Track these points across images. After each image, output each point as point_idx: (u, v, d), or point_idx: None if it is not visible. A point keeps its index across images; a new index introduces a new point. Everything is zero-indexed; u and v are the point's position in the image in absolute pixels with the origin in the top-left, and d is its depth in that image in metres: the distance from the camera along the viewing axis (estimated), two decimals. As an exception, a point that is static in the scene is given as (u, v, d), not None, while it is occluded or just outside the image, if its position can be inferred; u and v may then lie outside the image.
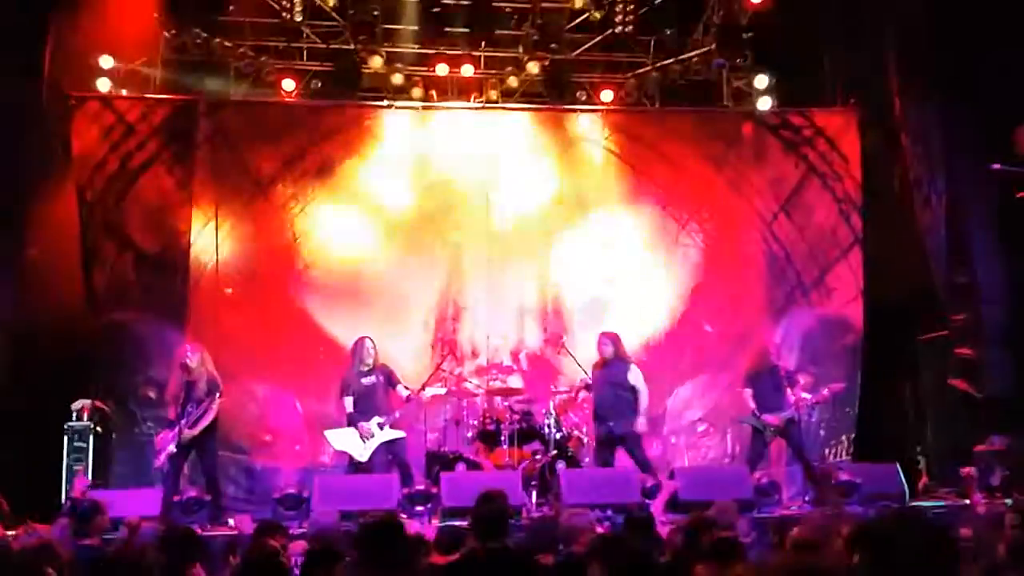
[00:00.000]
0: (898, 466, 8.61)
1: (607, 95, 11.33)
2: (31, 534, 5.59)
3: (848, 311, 10.90)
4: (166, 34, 10.47)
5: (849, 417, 10.50)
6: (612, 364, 9.03)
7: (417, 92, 11.22)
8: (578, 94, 11.47)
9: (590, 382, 9.20)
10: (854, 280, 10.94)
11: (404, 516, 7.45)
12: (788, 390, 9.05)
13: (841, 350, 10.76)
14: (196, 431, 8.30)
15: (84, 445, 8.99)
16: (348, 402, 8.81)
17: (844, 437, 10.53)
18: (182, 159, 10.56)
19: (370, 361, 8.84)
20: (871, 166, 11.12)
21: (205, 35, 10.53)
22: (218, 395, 8.43)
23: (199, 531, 7.58)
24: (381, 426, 8.71)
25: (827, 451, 10.44)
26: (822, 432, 10.53)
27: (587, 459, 9.67)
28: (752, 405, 9.07)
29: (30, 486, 8.39)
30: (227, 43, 10.67)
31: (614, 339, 9.18)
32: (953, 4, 9.57)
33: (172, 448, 8.21)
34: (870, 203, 11.04)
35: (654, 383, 10.69)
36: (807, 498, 8.90)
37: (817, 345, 10.75)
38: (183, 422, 8.26)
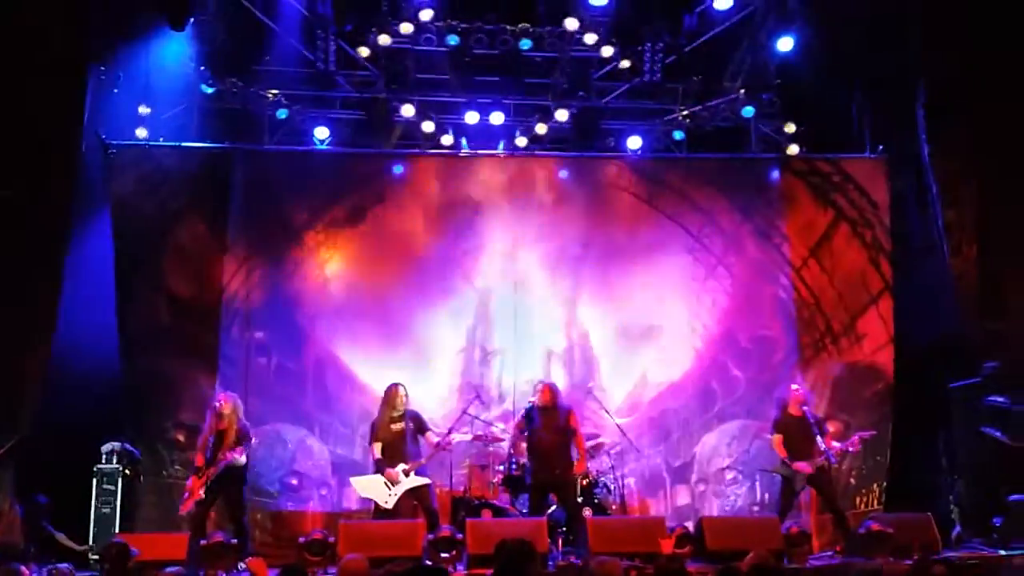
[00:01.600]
0: (931, 516, 8.46)
1: (635, 142, 11.40)
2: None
3: (878, 358, 10.78)
4: (203, 84, 10.71)
5: (880, 465, 10.34)
6: (553, 410, 8.89)
7: (447, 139, 11.38)
8: (606, 141, 11.58)
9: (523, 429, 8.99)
10: (884, 327, 10.84)
11: (429, 563, 7.43)
12: (818, 438, 8.95)
13: (872, 397, 10.64)
14: (220, 470, 8.37)
15: (113, 488, 9.07)
16: (376, 448, 8.81)
17: (875, 486, 10.36)
18: (216, 206, 10.75)
19: (401, 408, 8.86)
20: (901, 212, 11.07)
21: (240, 84, 10.77)
22: (248, 444, 8.48)
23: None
24: (407, 473, 8.70)
25: (858, 500, 10.28)
26: (853, 480, 10.38)
27: (614, 506, 9.60)
28: (782, 453, 8.98)
29: (59, 528, 8.48)
30: (261, 92, 10.90)
31: (553, 387, 9.08)
32: (984, 52, 9.57)
33: (201, 493, 8.27)
34: (900, 249, 10.98)
35: (681, 429, 10.67)
36: (838, 548, 8.74)
37: (847, 392, 10.65)
38: (212, 470, 8.32)
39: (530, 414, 8.90)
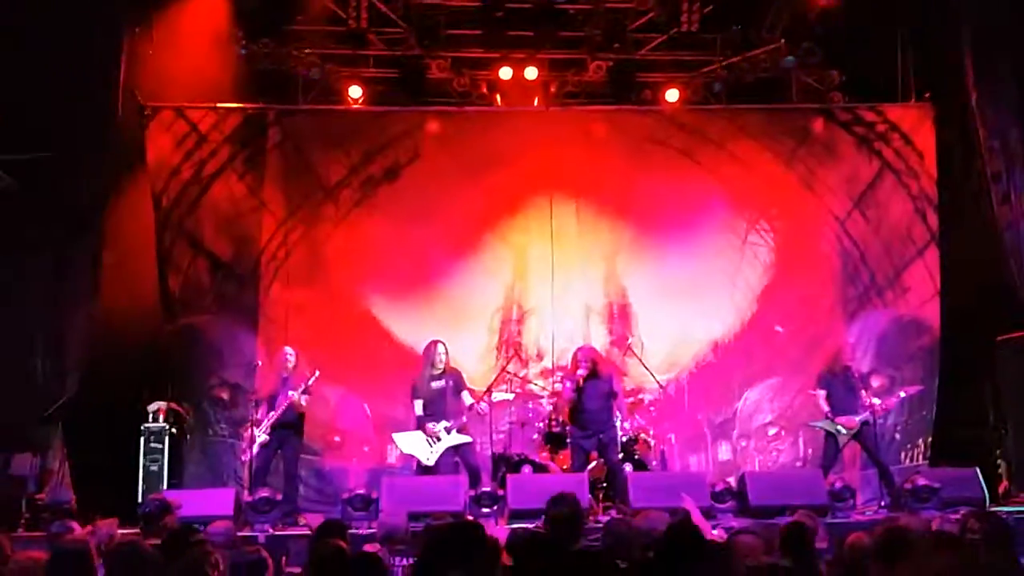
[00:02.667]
0: (977, 470, 8.34)
1: (673, 94, 11.19)
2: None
3: (924, 311, 10.60)
4: (237, 45, 10.67)
5: (926, 420, 10.21)
6: (597, 375, 8.85)
7: (482, 95, 11.25)
8: (644, 94, 11.38)
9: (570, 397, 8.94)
10: (930, 280, 10.63)
11: (470, 517, 7.48)
12: (862, 392, 8.85)
13: (917, 351, 10.48)
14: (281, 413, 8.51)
15: (160, 446, 9.22)
16: (418, 405, 8.86)
17: (920, 441, 10.24)
18: (253, 166, 10.80)
19: (441, 365, 8.88)
20: (947, 162, 10.79)
21: (273, 44, 10.71)
22: (308, 388, 8.63)
23: (271, 531, 7.77)
24: (448, 430, 8.73)
25: (903, 455, 10.17)
26: (897, 436, 10.26)
27: (654, 462, 9.58)
28: (825, 408, 8.89)
29: (107, 486, 8.64)
30: (295, 52, 10.84)
31: (596, 353, 9.07)
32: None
33: (264, 436, 8.41)
34: (946, 200, 10.72)
35: (723, 386, 10.59)
36: (883, 503, 8.67)
37: (892, 347, 10.50)
38: (273, 413, 8.48)
39: (580, 383, 8.82)
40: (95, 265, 9.27)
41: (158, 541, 5.20)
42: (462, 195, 10.91)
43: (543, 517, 5.12)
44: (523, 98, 11.34)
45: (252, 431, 8.60)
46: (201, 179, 10.59)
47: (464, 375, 9.19)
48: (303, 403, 8.65)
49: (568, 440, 9.07)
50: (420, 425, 8.80)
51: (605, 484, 8.80)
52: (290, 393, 8.56)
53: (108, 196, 9.63)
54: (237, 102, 10.86)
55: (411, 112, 11.17)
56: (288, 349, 8.98)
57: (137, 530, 7.20)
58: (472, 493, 8.31)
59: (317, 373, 8.73)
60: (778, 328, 10.68)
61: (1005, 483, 9.17)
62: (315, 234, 10.80)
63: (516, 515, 7.84)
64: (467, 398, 8.92)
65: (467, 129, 11.18)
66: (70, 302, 9.14)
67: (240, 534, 7.06)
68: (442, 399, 8.84)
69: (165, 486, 8.95)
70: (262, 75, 10.95)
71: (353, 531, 6.96)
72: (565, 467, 9.09)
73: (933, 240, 10.71)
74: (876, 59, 11.07)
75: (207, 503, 7.59)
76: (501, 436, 9.76)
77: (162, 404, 9.45)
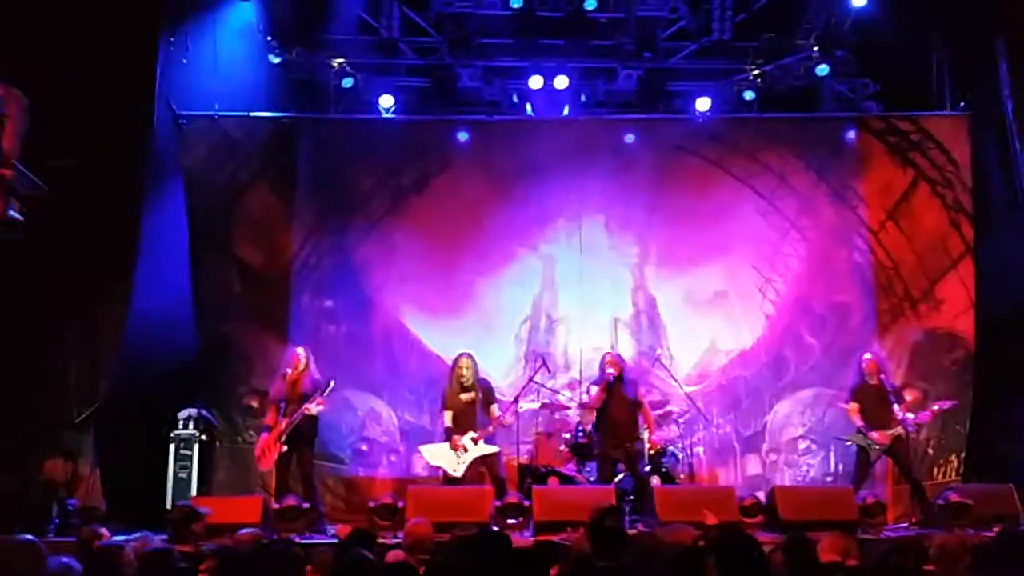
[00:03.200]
0: (1012, 487, 8.18)
1: (704, 103, 11.11)
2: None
3: (958, 324, 10.42)
4: (269, 54, 10.76)
5: (959, 435, 10.03)
6: (622, 381, 8.82)
7: (512, 104, 11.26)
8: (674, 103, 11.32)
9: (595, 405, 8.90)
10: (965, 292, 10.46)
11: (495, 528, 7.46)
12: (895, 406, 8.73)
13: (951, 365, 10.30)
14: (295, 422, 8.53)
15: (189, 453, 9.29)
16: (447, 417, 8.87)
17: (954, 456, 10.06)
18: (285, 176, 10.88)
19: (470, 378, 8.88)
20: (982, 172, 10.62)
21: (306, 53, 10.79)
22: (323, 393, 8.61)
23: (298, 539, 7.79)
24: (475, 441, 8.73)
25: (936, 470, 10.00)
26: (930, 451, 10.09)
27: (682, 475, 9.51)
28: (858, 422, 8.78)
29: (136, 493, 8.72)
30: (326, 61, 10.91)
31: (621, 358, 9.04)
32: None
33: (281, 446, 8.47)
34: (982, 211, 10.55)
35: (753, 399, 10.49)
36: (914, 519, 8.53)
37: (925, 360, 10.34)
38: (285, 421, 8.51)
39: (609, 385, 8.81)
40: (128, 271, 9.37)
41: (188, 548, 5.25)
42: (491, 205, 10.91)
43: (588, 528, 5.05)
44: (553, 107, 11.33)
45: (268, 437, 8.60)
46: (233, 188, 10.69)
47: (492, 385, 9.19)
48: (316, 411, 8.64)
49: (595, 451, 9.03)
50: (448, 436, 8.81)
51: (632, 497, 8.74)
52: (307, 406, 8.55)
53: (142, 202, 9.75)
54: (269, 111, 10.95)
55: (442, 122, 11.19)
56: (299, 350, 8.91)
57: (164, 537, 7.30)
58: (498, 504, 8.29)
59: (333, 383, 8.72)
60: (810, 340, 10.56)
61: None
62: (345, 243, 10.86)
63: (541, 527, 7.81)
64: (495, 410, 8.92)
65: (497, 138, 11.19)
66: (103, 307, 9.25)
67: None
68: (471, 410, 8.85)
69: (194, 493, 9.02)
70: (294, 84, 11.05)
71: (379, 540, 7.00)
72: (592, 479, 9.05)
73: (968, 252, 10.53)
74: (911, 68, 10.94)
75: (235, 511, 7.63)
76: (528, 447, 9.73)
77: (192, 411, 9.53)
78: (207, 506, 6.65)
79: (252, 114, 10.87)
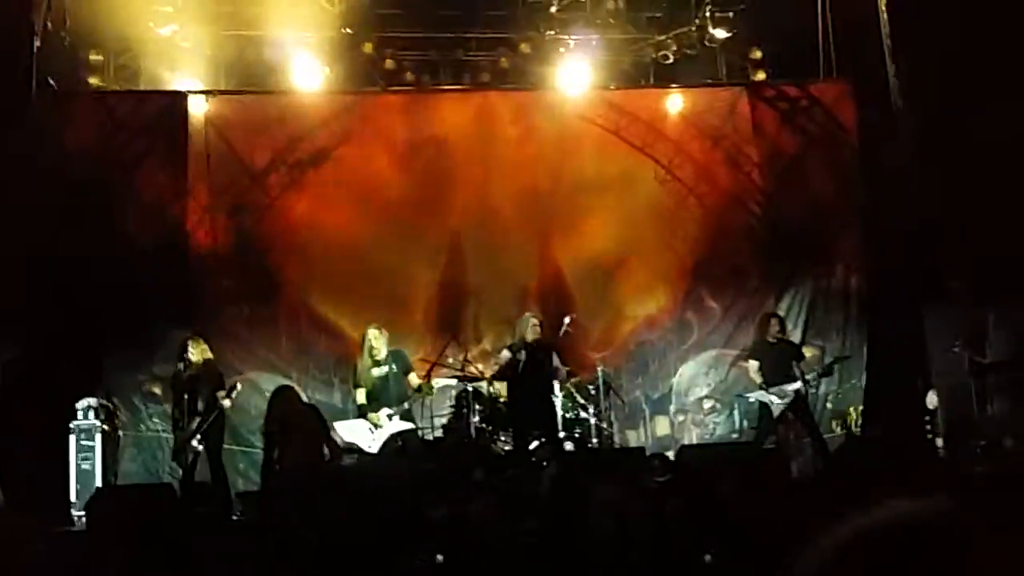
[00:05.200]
0: (911, 437, 8.60)
1: (601, 74, 11.21)
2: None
3: (851, 282, 10.88)
4: (152, 25, 10.31)
5: (856, 389, 10.51)
6: (537, 350, 8.96)
7: (409, 76, 11.11)
8: (572, 73, 11.35)
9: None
10: (856, 251, 10.91)
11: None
12: (794, 363, 9.06)
13: (845, 321, 10.75)
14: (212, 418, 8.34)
15: (92, 443, 8.95)
16: (360, 394, 8.77)
17: (852, 409, 10.53)
18: (175, 153, 10.45)
19: (382, 351, 8.78)
20: (869, 136, 11.05)
21: (193, 25, 10.39)
22: (234, 388, 8.44)
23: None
24: (390, 417, 8.67)
25: (835, 423, 10.45)
26: (829, 405, 10.53)
27: (594, 440, 9.67)
28: (758, 379, 9.07)
29: (36, 487, 8.35)
30: (220, 32, 10.53)
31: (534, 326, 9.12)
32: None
33: (196, 445, 8.24)
34: (869, 172, 10.99)
35: (659, 361, 10.72)
36: (818, 471, 8.87)
37: (822, 318, 10.75)
38: (200, 419, 8.27)
39: (517, 352, 8.85)
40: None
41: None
42: (394, 178, 10.78)
43: None
44: (452, 79, 11.23)
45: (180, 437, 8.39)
46: (123, 167, 10.21)
47: (406, 359, 9.13)
48: (228, 405, 8.47)
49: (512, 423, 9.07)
50: (362, 413, 8.72)
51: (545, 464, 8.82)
52: (222, 403, 8.35)
53: (23, 187, 9.23)
54: (155, 86, 10.51)
55: (339, 95, 10.96)
56: (189, 342, 8.63)
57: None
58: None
59: (239, 386, 8.56)
60: (711, 303, 10.84)
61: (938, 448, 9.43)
62: (243, 221, 10.56)
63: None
64: (413, 379, 8.85)
65: (395, 111, 11.04)
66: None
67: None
68: (384, 385, 8.76)
69: (99, 483, 8.69)
70: (183, 56, 10.62)
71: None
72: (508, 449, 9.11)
73: (858, 212, 10.97)
74: (797, 35, 11.24)
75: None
76: (443, 421, 9.71)
77: (91, 400, 9.15)
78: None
79: (136, 90, 10.42)
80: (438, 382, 9.19)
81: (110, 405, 9.42)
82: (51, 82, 9.82)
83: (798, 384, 8.99)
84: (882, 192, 10.74)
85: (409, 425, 8.79)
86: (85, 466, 8.83)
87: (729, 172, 11.23)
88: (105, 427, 9.10)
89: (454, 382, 9.53)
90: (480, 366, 10.05)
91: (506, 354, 9.03)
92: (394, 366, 8.80)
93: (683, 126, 11.23)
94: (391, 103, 11.08)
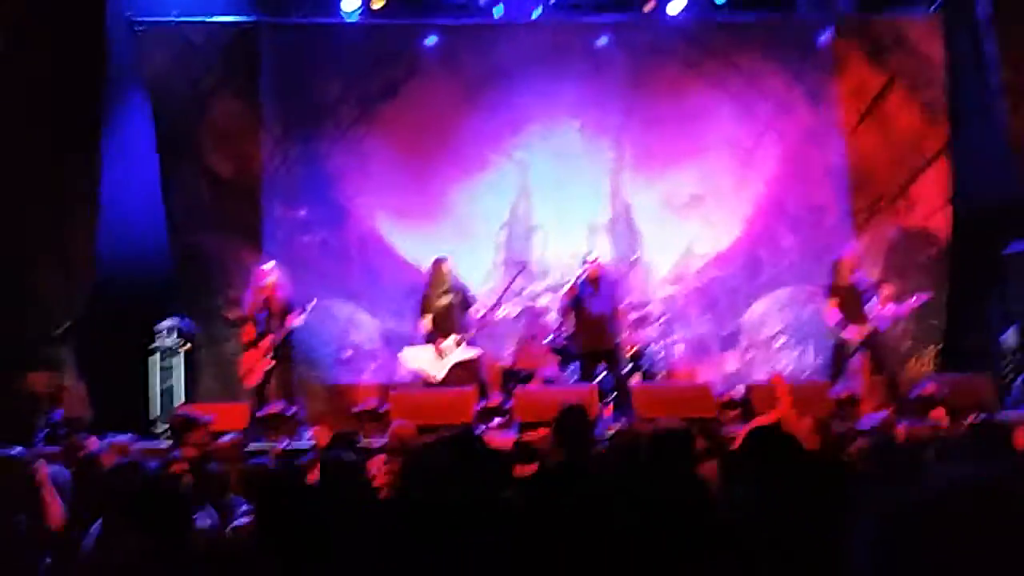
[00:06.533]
0: (988, 376, 8.39)
1: (676, 5, 10.92)
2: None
3: (933, 222, 10.55)
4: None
5: (935, 329, 10.24)
6: (601, 282, 8.87)
7: (480, 8, 10.98)
8: (647, 5, 11.10)
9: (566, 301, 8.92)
10: (940, 190, 10.56)
11: (481, 429, 7.53)
12: (871, 303, 8.86)
13: (926, 261, 10.45)
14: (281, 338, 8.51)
15: (171, 364, 9.23)
16: (426, 320, 8.86)
17: (930, 348, 10.29)
18: (249, 83, 10.54)
19: (447, 281, 8.85)
20: (957, 72, 10.62)
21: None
22: (304, 309, 8.59)
23: (281, 446, 7.81)
24: (458, 344, 8.74)
25: (912, 363, 10.21)
26: (907, 344, 10.29)
27: (660, 374, 9.63)
28: (835, 318, 8.90)
29: (120, 404, 8.65)
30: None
31: (599, 261, 9.04)
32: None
33: (269, 361, 8.43)
34: (957, 111, 10.58)
35: (730, 297, 10.59)
36: (889, 410, 8.71)
37: (901, 257, 10.46)
38: (271, 337, 8.44)
39: (580, 286, 8.83)
40: (94, 184, 9.13)
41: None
42: (463, 111, 10.73)
43: (552, 429, 5.12)
44: (523, 10, 11.06)
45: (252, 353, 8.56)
46: (197, 96, 10.35)
47: (471, 291, 9.17)
48: (299, 324, 8.69)
49: (575, 352, 9.08)
50: (429, 340, 8.81)
51: (614, 395, 8.84)
52: (290, 322, 8.52)
53: (102, 114, 9.44)
54: (229, 15, 10.58)
55: (409, 26, 10.90)
56: (266, 267, 8.84)
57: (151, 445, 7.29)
58: (480, 406, 8.35)
59: (315, 301, 8.70)
60: (787, 240, 10.60)
61: (1015, 392, 9.19)
62: (314, 151, 10.64)
63: (524, 427, 7.87)
64: (475, 312, 8.91)
65: (467, 43, 10.93)
66: (73, 221, 9.03)
67: (250, 447, 7.12)
68: (449, 315, 8.84)
69: (177, 403, 8.97)
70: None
71: (363, 445, 7.03)
72: (574, 380, 9.12)
73: (943, 151, 10.59)
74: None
75: (221, 418, 7.58)
76: (510, 351, 9.76)
77: (172, 322, 9.42)
78: (201, 412, 6.61)
79: (211, 19, 10.49)
80: (502, 312, 9.22)
81: (190, 326, 9.68)
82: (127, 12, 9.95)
83: (875, 323, 8.79)
84: (969, 131, 10.34)
85: (475, 352, 8.85)
86: (167, 385, 9.13)
87: (808, 108, 10.90)
88: (185, 348, 9.37)
89: (519, 311, 9.55)
90: (548, 298, 10.05)
91: (572, 287, 9.00)
92: (457, 297, 8.85)
93: (761, 61, 10.90)
94: (461, 35, 10.96)
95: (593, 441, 5.46)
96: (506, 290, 9.67)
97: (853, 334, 8.79)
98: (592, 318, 8.78)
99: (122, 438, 6.33)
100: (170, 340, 9.32)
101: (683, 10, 10.88)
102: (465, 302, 8.97)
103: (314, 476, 5.03)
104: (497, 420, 8.28)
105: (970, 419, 5.95)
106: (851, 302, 8.87)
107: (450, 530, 2.87)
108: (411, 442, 6.03)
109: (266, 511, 3.58)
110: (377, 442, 7.38)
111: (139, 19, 10.15)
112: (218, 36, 10.49)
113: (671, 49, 10.93)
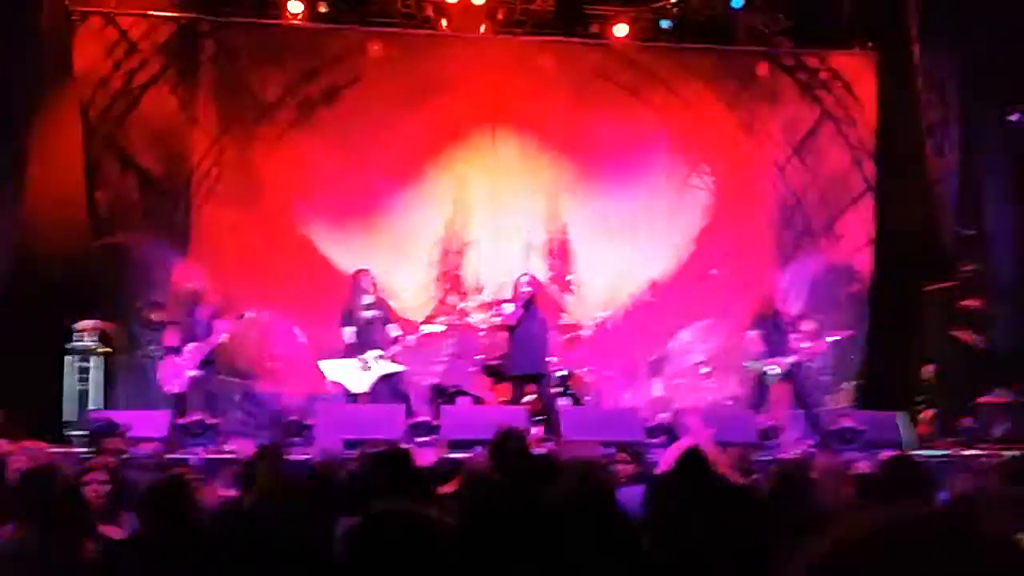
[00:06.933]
0: (899, 415, 8.64)
1: (621, 29, 11.06)
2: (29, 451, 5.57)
3: (857, 259, 10.87)
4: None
5: (853, 365, 10.53)
6: (537, 302, 8.95)
7: (427, 18, 10.96)
8: (592, 27, 11.22)
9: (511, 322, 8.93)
10: (864, 228, 10.87)
11: (407, 447, 7.46)
12: (792, 335, 9.05)
13: (848, 298, 10.75)
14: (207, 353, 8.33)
15: (88, 365, 8.94)
16: (348, 333, 8.75)
17: (847, 385, 10.56)
18: (186, 80, 10.35)
19: (372, 294, 8.77)
20: (886, 112, 10.96)
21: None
22: (232, 320, 8.49)
23: (204, 454, 7.65)
24: (379, 359, 8.66)
25: (830, 398, 10.48)
26: (824, 379, 10.55)
27: (588, 397, 9.69)
28: (757, 349, 9.07)
29: (29, 407, 8.35)
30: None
31: (537, 279, 9.13)
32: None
33: (194, 372, 8.23)
34: (884, 150, 10.92)
35: (658, 324, 10.72)
36: (810, 444, 8.92)
37: (824, 292, 10.73)
38: (194, 346, 8.25)
39: (513, 305, 8.83)
40: (19, 177, 8.84)
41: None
42: (403, 121, 10.64)
43: (488, 449, 5.13)
44: (469, 24, 11.06)
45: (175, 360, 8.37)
46: (131, 91, 10.10)
47: (394, 305, 9.14)
48: (224, 339, 8.53)
49: (506, 373, 9.09)
50: (350, 353, 8.71)
51: (543, 417, 8.86)
52: (220, 335, 8.37)
53: (34, 105, 9.16)
54: (171, 10, 10.35)
55: (353, 32, 10.81)
56: (187, 271, 8.75)
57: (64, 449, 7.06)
58: (409, 422, 8.29)
59: (247, 314, 8.59)
60: (713, 271, 10.82)
61: (926, 428, 9.49)
62: (250, 154, 10.45)
63: (452, 445, 7.85)
64: (393, 330, 8.84)
65: (410, 53, 10.87)
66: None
67: (171, 456, 6.97)
68: (373, 328, 8.75)
69: (93, 406, 8.71)
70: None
71: (287, 457, 6.93)
72: (502, 400, 9.13)
73: (869, 190, 10.92)
74: (823, 5, 11.12)
75: (140, 425, 7.40)
76: (438, 368, 9.72)
77: (89, 323, 9.14)
78: (126, 420, 6.46)
79: (151, 13, 10.25)
80: (427, 328, 9.18)
81: (107, 328, 9.39)
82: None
83: (795, 357, 8.99)
84: (894, 171, 10.68)
85: (399, 368, 8.78)
86: (81, 387, 8.84)
87: (743, 140, 11.13)
88: (101, 350, 9.10)
89: (445, 328, 9.52)
90: (479, 316, 10.04)
91: (507, 307, 8.99)
92: (380, 311, 8.77)
93: (701, 90, 11.09)
94: (406, 44, 10.90)
95: (527, 464, 5.46)
96: (438, 305, 9.64)
97: (774, 366, 8.97)
98: (524, 339, 8.79)
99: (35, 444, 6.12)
100: (88, 341, 9.03)
101: (627, 34, 11.02)
102: (387, 316, 8.89)
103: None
104: (425, 438, 8.22)
105: (884, 456, 6.11)
106: (774, 334, 9.05)
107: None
108: (337, 456, 5.98)
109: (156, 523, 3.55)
110: (300, 455, 7.29)
111: (75, 8, 9.85)
112: (157, 31, 10.25)
113: (613, 72, 11.04)
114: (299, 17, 10.65)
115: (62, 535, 3.37)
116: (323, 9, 10.80)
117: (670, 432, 8.46)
